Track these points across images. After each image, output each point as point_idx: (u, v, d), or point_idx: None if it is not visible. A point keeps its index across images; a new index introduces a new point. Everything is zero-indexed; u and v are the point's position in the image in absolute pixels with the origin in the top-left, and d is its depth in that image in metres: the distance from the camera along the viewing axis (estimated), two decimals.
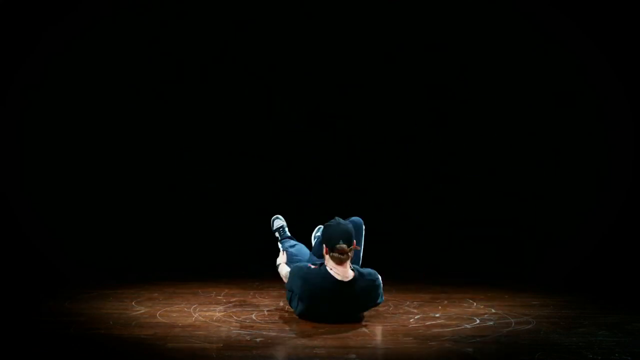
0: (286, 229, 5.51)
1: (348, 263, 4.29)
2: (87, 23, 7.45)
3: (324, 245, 4.31)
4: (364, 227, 4.85)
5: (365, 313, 4.73)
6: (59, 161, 7.59)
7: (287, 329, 4.24)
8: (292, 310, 4.75)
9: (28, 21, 7.26)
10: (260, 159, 7.80)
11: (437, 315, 4.68)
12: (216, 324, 4.38)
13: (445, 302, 5.16)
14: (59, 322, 4.41)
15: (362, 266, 4.64)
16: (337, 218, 4.44)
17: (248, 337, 4.01)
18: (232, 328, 4.25)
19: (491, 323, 4.39)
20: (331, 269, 4.26)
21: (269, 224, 7.64)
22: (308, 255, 5.07)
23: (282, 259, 5.06)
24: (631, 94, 7.15)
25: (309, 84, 7.76)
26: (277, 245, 5.43)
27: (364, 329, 4.23)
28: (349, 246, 4.23)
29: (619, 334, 4.07)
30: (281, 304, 5.06)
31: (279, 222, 5.56)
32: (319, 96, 7.77)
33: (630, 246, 6.99)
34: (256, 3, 7.63)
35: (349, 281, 4.25)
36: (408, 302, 5.16)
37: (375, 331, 4.24)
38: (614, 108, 7.27)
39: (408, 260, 7.38)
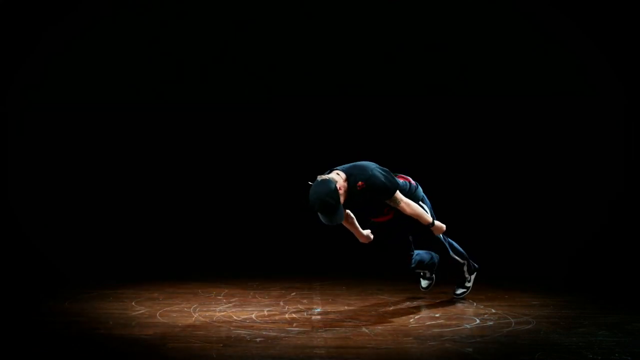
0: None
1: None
2: (87, 23, 7.46)
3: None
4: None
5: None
6: (58, 161, 7.59)
7: (287, 328, 4.25)
8: (292, 310, 4.77)
9: (28, 21, 7.26)
10: (259, 159, 7.80)
11: (437, 315, 4.68)
12: (216, 324, 4.38)
13: (446, 302, 5.16)
14: (59, 322, 4.41)
15: None
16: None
17: (248, 337, 4.01)
18: (232, 328, 4.25)
19: (491, 323, 4.39)
20: None
21: (267, 224, 7.66)
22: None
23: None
24: (631, 94, 7.15)
25: (309, 84, 7.76)
26: None
27: (364, 329, 4.24)
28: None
29: (619, 334, 4.07)
30: (281, 303, 5.07)
31: None
32: (319, 96, 7.77)
33: (631, 246, 6.99)
34: (256, 3, 7.63)
35: None
36: (408, 302, 5.16)
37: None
38: (614, 108, 7.27)
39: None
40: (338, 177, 4.52)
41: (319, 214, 4.48)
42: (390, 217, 4.83)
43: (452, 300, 5.19)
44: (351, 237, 4.95)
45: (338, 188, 4.44)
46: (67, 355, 3.66)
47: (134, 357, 3.67)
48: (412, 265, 5.08)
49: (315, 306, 4.97)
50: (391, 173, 4.71)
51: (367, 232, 4.90)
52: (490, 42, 7.52)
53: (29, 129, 7.53)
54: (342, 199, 4.48)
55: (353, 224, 4.85)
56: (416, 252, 5.09)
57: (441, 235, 4.97)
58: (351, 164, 4.69)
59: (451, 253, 5.10)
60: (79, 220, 7.58)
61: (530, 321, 4.44)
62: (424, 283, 5.36)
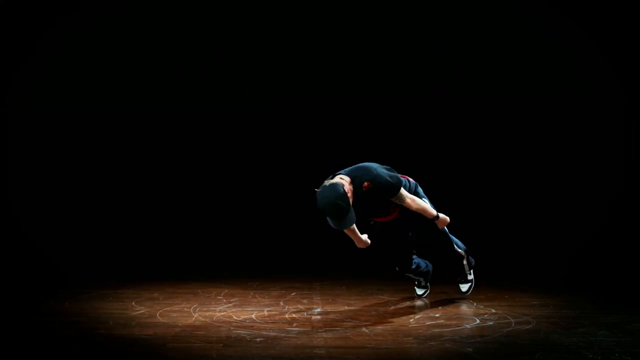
0: None
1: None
2: (87, 23, 7.45)
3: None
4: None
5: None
6: (58, 161, 7.58)
7: (287, 329, 4.24)
8: (292, 310, 4.77)
9: (28, 21, 7.26)
10: (259, 159, 7.79)
11: (437, 315, 4.68)
12: (216, 324, 4.38)
13: (446, 301, 5.16)
14: (59, 322, 4.41)
15: None
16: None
17: (248, 337, 4.01)
18: (232, 328, 4.25)
19: (491, 323, 4.39)
20: None
21: (267, 224, 7.65)
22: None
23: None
24: (631, 94, 7.14)
25: (309, 84, 7.75)
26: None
27: (364, 329, 4.23)
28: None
29: (619, 334, 4.07)
30: (281, 303, 5.07)
31: None
32: (319, 96, 7.76)
33: (631, 246, 6.98)
34: (256, 3, 7.62)
35: None
36: (408, 302, 5.16)
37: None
38: (614, 108, 7.26)
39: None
40: (343, 180, 4.52)
41: (329, 218, 4.48)
42: (395, 216, 4.85)
43: (452, 300, 5.18)
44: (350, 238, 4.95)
45: (346, 192, 4.45)
46: (67, 355, 3.66)
47: (134, 357, 3.67)
48: (412, 267, 5.10)
49: (315, 306, 4.97)
50: (394, 170, 4.72)
51: (364, 236, 4.91)
52: (490, 42, 7.51)
53: (29, 129, 7.52)
54: (350, 202, 4.49)
55: (353, 229, 4.85)
56: (414, 257, 5.12)
57: (445, 228, 4.99)
58: (353, 166, 4.69)
59: (455, 247, 5.12)
60: (79, 220, 7.58)
61: (530, 321, 4.44)
62: (419, 291, 5.37)
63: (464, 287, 5.27)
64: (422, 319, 4.56)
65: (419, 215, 4.83)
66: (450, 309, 4.88)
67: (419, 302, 5.15)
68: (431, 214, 4.83)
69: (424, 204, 4.84)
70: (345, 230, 4.82)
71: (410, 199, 4.75)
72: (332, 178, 4.57)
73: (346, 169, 4.67)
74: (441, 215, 4.89)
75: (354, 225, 4.82)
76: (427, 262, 5.25)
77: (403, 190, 4.69)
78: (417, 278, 5.32)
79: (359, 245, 4.92)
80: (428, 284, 5.36)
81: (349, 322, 4.45)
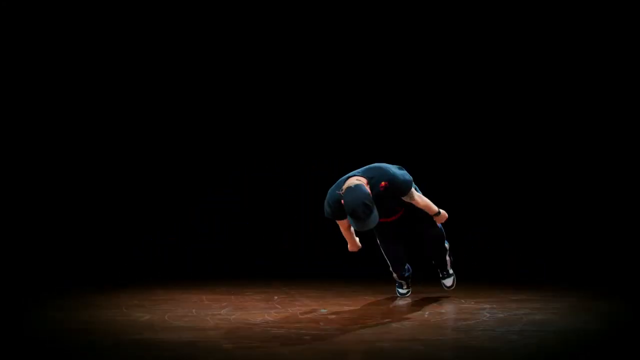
0: None
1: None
2: (87, 23, 7.41)
3: None
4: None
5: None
6: (57, 161, 7.53)
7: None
8: (300, 310, 4.80)
9: (28, 21, 7.23)
10: (259, 160, 7.77)
11: (439, 313, 4.70)
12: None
13: (447, 301, 5.19)
14: (59, 324, 4.34)
15: None
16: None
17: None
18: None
19: (490, 322, 4.37)
20: None
21: (268, 226, 7.62)
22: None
23: None
24: (631, 93, 7.16)
25: (308, 83, 7.73)
26: None
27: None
28: None
29: (611, 330, 4.08)
30: (278, 306, 5.05)
31: None
32: (319, 95, 7.75)
33: (630, 245, 6.99)
34: (256, 3, 7.60)
35: None
36: (409, 302, 5.18)
37: None
38: (614, 108, 7.28)
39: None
40: (360, 182, 4.56)
41: (354, 219, 4.50)
42: (399, 216, 4.92)
43: (452, 301, 5.18)
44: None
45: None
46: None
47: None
48: (406, 274, 5.29)
49: (321, 308, 4.96)
50: (403, 168, 4.85)
51: (357, 240, 5.02)
52: (491, 42, 7.48)
53: (28, 128, 7.47)
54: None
55: (351, 232, 4.91)
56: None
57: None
58: (365, 167, 4.76)
59: (446, 243, 5.21)
60: (79, 221, 7.51)
61: (530, 320, 4.41)
62: (402, 291, 5.41)
63: (448, 282, 5.32)
64: (423, 318, 4.55)
65: (418, 214, 4.88)
66: (451, 308, 4.92)
67: (419, 302, 5.16)
68: (433, 210, 4.94)
69: (427, 200, 4.94)
70: (344, 231, 4.85)
71: (417, 195, 4.88)
72: (347, 179, 4.61)
73: (359, 170, 4.73)
74: (442, 211, 4.98)
75: (352, 228, 4.83)
76: (408, 265, 5.34)
77: (412, 188, 4.78)
78: (400, 281, 5.38)
79: (352, 249, 5.02)
80: (410, 284, 5.41)
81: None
